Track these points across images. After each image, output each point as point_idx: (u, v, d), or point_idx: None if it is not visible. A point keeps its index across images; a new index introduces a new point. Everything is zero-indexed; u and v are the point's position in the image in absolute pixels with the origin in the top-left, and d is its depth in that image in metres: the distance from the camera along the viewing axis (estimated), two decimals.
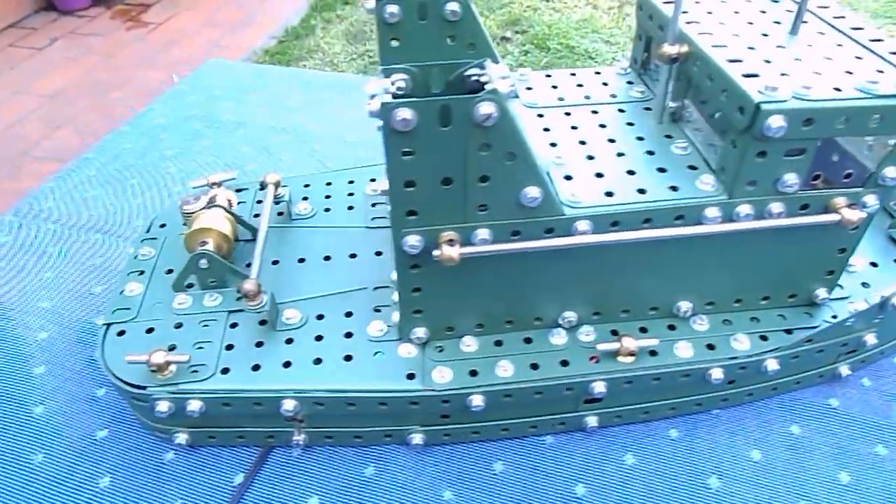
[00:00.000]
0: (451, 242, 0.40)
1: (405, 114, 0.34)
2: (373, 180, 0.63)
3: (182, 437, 0.47)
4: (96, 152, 0.80)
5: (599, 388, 0.45)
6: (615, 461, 0.48)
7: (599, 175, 0.44)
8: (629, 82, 0.55)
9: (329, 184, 0.63)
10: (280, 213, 0.59)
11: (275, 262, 0.54)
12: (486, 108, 0.35)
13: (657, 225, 0.42)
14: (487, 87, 0.35)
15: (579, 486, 0.46)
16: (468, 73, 0.38)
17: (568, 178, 0.44)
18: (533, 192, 0.39)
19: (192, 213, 0.53)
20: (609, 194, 0.42)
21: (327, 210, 0.60)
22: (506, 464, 0.48)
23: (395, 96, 0.35)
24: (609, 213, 0.41)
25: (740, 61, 0.42)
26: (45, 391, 0.52)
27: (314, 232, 0.58)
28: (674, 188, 0.43)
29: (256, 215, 0.59)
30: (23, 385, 0.52)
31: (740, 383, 0.49)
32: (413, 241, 0.40)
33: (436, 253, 0.40)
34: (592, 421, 0.49)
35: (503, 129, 0.36)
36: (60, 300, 0.60)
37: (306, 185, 0.63)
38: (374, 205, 0.60)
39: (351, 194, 0.62)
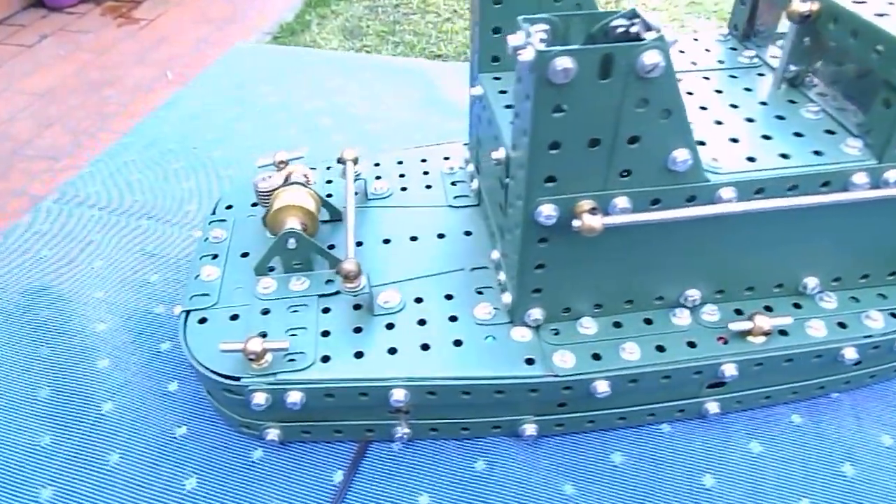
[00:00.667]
0: (593, 211, 0.36)
1: (565, 63, 0.30)
2: (446, 159, 0.60)
3: (273, 434, 0.43)
4: (133, 136, 0.76)
5: (730, 370, 0.42)
6: (740, 449, 0.45)
7: (734, 140, 0.41)
8: (732, 48, 0.51)
9: (401, 162, 0.59)
10: (355, 193, 0.55)
11: (359, 244, 0.50)
12: (651, 58, 0.31)
13: (803, 192, 0.39)
14: (648, 35, 0.32)
15: (707, 477, 0.43)
16: (614, 24, 0.35)
17: (701, 143, 0.40)
18: (682, 154, 0.35)
19: (270, 190, 0.49)
20: (751, 160, 0.39)
21: (404, 189, 0.56)
22: (625, 455, 0.44)
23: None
24: (754, 179, 0.38)
25: (887, 15, 0.39)
26: (112, 386, 0.48)
27: (394, 212, 0.54)
28: (817, 153, 0.39)
29: (329, 195, 0.55)
30: (88, 380, 0.48)
31: (866, 364, 0.46)
32: (549, 210, 0.36)
33: (576, 223, 0.36)
34: (713, 407, 0.45)
35: (664, 83, 0.33)
36: (115, 290, 0.56)
37: (376, 164, 0.59)
38: (454, 183, 0.56)
39: (426, 173, 0.58)
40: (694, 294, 0.44)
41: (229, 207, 0.54)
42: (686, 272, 0.43)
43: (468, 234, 0.51)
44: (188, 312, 0.45)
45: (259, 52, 0.95)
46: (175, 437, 0.45)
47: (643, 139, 0.35)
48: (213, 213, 0.54)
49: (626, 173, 0.36)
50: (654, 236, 0.40)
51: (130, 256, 0.59)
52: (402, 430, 0.43)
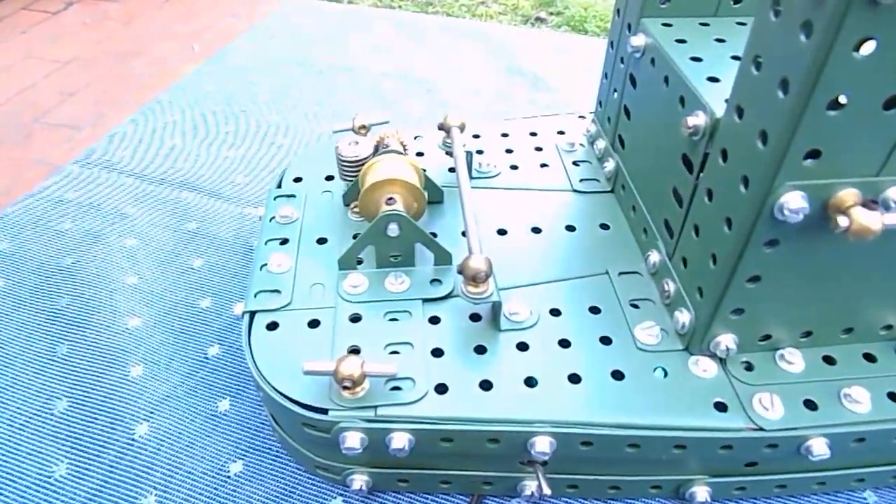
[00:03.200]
0: (871, 205, 0.25)
1: None
2: (561, 133, 0.48)
3: (360, 481, 0.33)
4: (172, 94, 0.65)
5: None
6: None
7: None
8: None
9: (506, 135, 0.48)
10: (451, 170, 0.44)
11: (463, 234, 0.39)
12: None
13: None
14: None
15: None
16: None
17: None
18: None
19: (359, 160, 0.38)
20: None
21: (514, 168, 0.45)
22: None
23: None
24: None
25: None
26: (147, 402, 0.37)
27: (505, 195, 0.43)
28: None
29: (423, 169, 0.44)
30: (118, 393, 0.38)
31: None
32: (797, 201, 0.25)
33: (842, 222, 0.25)
34: None
35: None
36: (151, 276, 0.45)
37: (476, 136, 0.48)
38: (576, 163, 0.45)
39: (539, 149, 0.47)
40: None
41: (298, 180, 0.43)
42: None
43: (605, 227, 0.40)
44: (253, 314, 0.34)
45: (312, 9, 0.84)
46: (229, 477, 0.34)
47: None
48: (279, 186, 0.43)
49: None
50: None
51: (169, 235, 0.49)
52: (533, 487, 0.32)
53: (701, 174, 0.31)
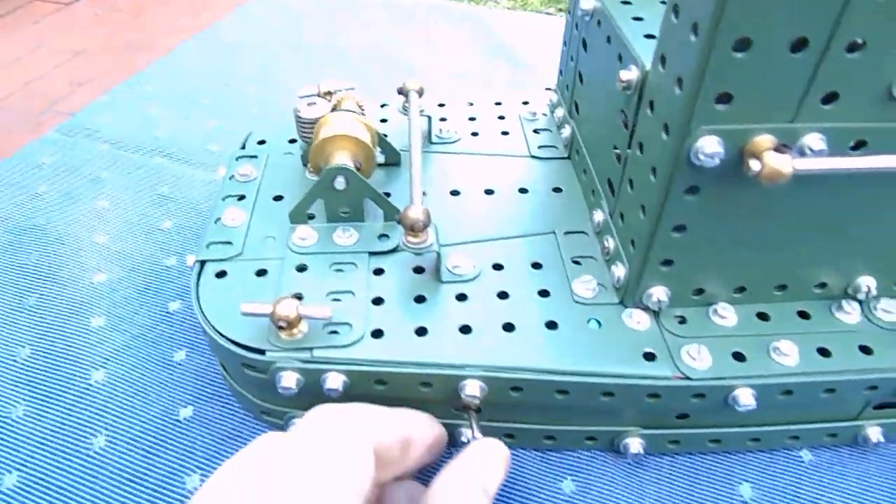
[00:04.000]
0: (781, 148, 0.25)
1: None
2: (526, 104, 0.49)
3: None
4: (158, 66, 0.66)
5: None
6: None
7: None
8: None
9: (471, 104, 0.49)
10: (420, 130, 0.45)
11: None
12: None
13: None
14: None
15: None
16: None
17: None
18: None
19: (315, 119, 0.39)
20: None
21: (475, 134, 0.46)
22: (755, 488, 0.34)
23: None
24: None
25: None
26: (106, 351, 0.38)
27: (463, 159, 0.43)
28: None
29: (384, 135, 0.44)
30: (78, 341, 0.39)
31: None
32: (713, 145, 0.25)
33: (753, 166, 0.25)
34: (875, 434, 0.34)
35: None
36: (120, 235, 0.47)
37: (441, 105, 0.49)
38: (536, 131, 0.46)
39: (502, 118, 0.48)
40: (868, 283, 0.33)
41: (262, 143, 0.44)
42: (865, 251, 0.32)
43: (558, 190, 0.41)
44: (203, 263, 0.35)
45: None
46: (178, 421, 0.35)
47: (869, 46, 0.24)
48: (243, 147, 0.44)
49: (830, 98, 0.25)
50: (837, 194, 0.29)
51: (142, 198, 0.50)
52: (469, 434, 0.33)
53: (635, 128, 0.31)
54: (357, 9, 0.79)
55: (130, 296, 0.42)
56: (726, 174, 0.27)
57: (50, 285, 0.42)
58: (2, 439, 0.34)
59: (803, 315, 0.33)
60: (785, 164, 0.25)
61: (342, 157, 0.36)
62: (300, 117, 0.40)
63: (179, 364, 0.38)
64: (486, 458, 0.28)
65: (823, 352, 0.31)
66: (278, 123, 0.46)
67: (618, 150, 0.34)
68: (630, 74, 0.30)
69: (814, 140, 0.26)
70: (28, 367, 0.37)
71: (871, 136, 0.26)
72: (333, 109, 0.40)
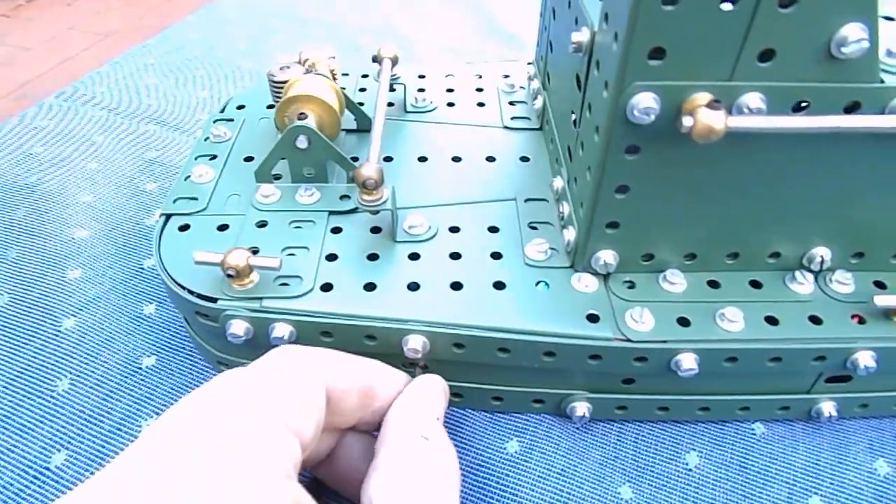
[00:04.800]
0: (714, 104, 0.25)
1: None
2: (506, 77, 0.49)
3: None
4: (158, 40, 0.68)
5: (864, 360, 0.31)
6: (860, 468, 0.34)
7: None
8: None
9: (450, 76, 0.49)
10: (390, 104, 0.45)
11: (387, 159, 0.41)
12: None
13: None
14: None
15: (814, 499, 0.32)
16: None
17: None
18: (855, 32, 0.24)
19: (285, 82, 0.40)
20: None
21: (451, 105, 0.46)
22: (702, 457, 0.34)
23: None
24: None
25: None
26: (79, 301, 0.40)
27: (436, 128, 0.44)
28: None
29: (360, 103, 0.45)
30: (54, 291, 0.40)
31: None
32: (647, 100, 0.25)
33: (686, 122, 0.25)
34: (828, 408, 0.34)
35: None
36: (105, 195, 0.48)
37: (421, 76, 0.49)
38: (512, 103, 0.46)
39: (480, 90, 0.48)
40: (823, 254, 0.33)
41: (241, 108, 0.45)
42: (818, 221, 0.32)
43: (525, 159, 0.41)
44: (168, 217, 0.36)
45: None
46: (140, 368, 0.36)
47: (802, 1, 0.24)
48: (222, 111, 0.45)
49: (766, 55, 0.25)
50: (785, 157, 0.29)
51: (129, 161, 0.51)
52: None
53: (586, 91, 0.31)
54: None
55: (108, 251, 0.43)
56: (665, 132, 0.27)
57: (32, 239, 0.44)
58: None
59: (755, 284, 0.33)
60: (717, 120, 0.25)
61: (305, 118, 0.36)
62: (273, 80, 0.40)
63: (148, 317, 0.39)
64: (430, 388, 0.29)
65: (771, 320, 0.31)
66: (261, 89, 0.47)
67: (574, 115, 0.34)
68: (581, 36, 0.30)
69: (752, 99, 0.26)
70: (4, 313, 0.39)
71: (812, 95, 0.26)
72: (308, 70, 0.41)
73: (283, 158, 0.37)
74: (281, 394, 0.24)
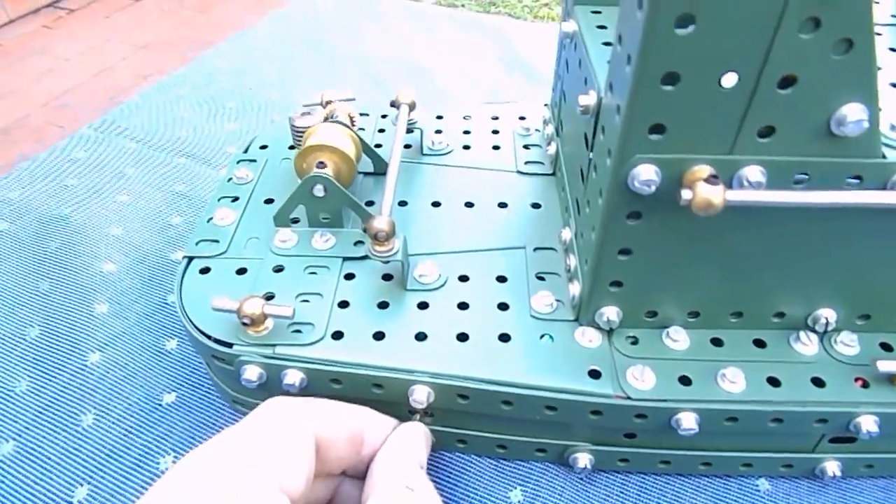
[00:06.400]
0: (712, 180, 0.26)
1: None
2: (522, 119, 0.50)
3: None
4: (190, 69, 0.70)
5: (867, 424, 0.31)
6: None
7: None
8: None
9: (468, 118, 0.50)
10: (407, 146, 0.47)
11: (402, 203, 0.42)
12: None
13: None
14: None
15: None
16: None
17: None
18: (855, 112, 0.25)
19: (306, 128, 0.41)
20: None
21: (467, 148, 0.47)
22: None
23: None
24: None
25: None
26: (105, 335, 0.42)
27: (451, 171, 0.45)
28: None
29: (378, 145, 0.46)
30: (81, 324, 0.42)
31: None
32: (648, 172, 0.26)
33: (685, 195, 0.26)
34: (832, 467, 0.34)
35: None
36: (134, 228, 0.50)
37: (439, 117, 0.50)
38: (527, 147, 0.47)
39: (496, 132, 0.49)
40: (828, 315, 0.33)
41: (264, 147, 0.47)
42: (822, 283, 0.32)
43: (536, 206, 0.42)
44: (190, 259, 0.38)
45: None
46: (160, 405, 0.38)
47: (802, 81, 0.24)
48: (246, 151, 0.47)
49: (766, 131, 0.26)
50: (788, 226, 0.29)
51: (158, 194, 0.53)
52: None
53: (592, 151, 0.32)
54: (380, 18, 0.81)
55: (134, 285, 0.45)
56: (666, 201, 0.27)
57: (64, 272, 0.46)
58: (5, 410, 0.37)
59: (759, 343, 0.33)
60: (716, 194, 0.25)
61: (323, 167, 0.38)
62: (294, 126, 0.42)
63: (170, 352, 0.41)
64: (413, 437, 0.30)
65: (773, 381, 0.32)
66: (280, 127, 0.48)
67: (582, 171, 0.34)
68: (588, 99, 0.31)
69: (752, 172, 0.26)
70: (35, 346, 0.41)
71: (812, 169, 0.27)
72: (326, 119, 0.42)
73: (301, 204, 0.38)
74: (272, 455, 0.25)
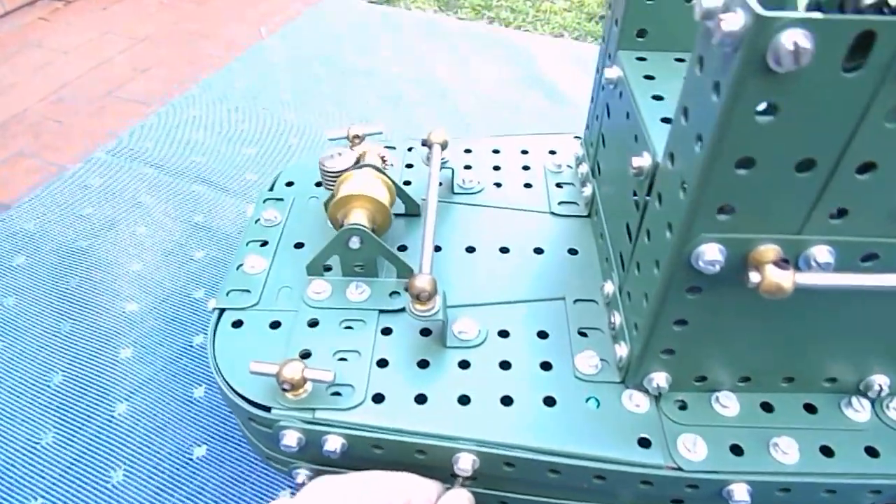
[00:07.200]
0: (782, 264, 0.25)
1: (799, 39, 0.19)
2: (553, 153, 0.49)
3: (304, 476, 0.35)
4: (203, 89, 0.69)
5: None
6: None
7: None
8: None
9: (497, 151, 0.49)
10: (439, 185, 0.46)
11: (436, 249, 0.41)
12: None
13: None
14: None
15: None
16: None
17: None
18: None
19: (338, 172, 0.40)
20: None
21: (498, 185, 0.46)
22: None
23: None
24: None
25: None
26: (131, 383, 0.41)
27: (483, 212, 0.44)
28: None
29: (407, 182, 0.45)
30: (107, 372, 0.41)
31: None
32: (713, 252, 0.25)
33: (753, 278, 0.25)
34: None
35: None
36: (154, 263, 0.49)
37: (467, 151, 0.49)
38: (559, 185, 0.46)
39: (527, 168, 0.48)
40: (881, 381, 0.32)
41: (290, 184, 0.46)
42: (877, 350, 0.31)
43: (573, 252, 0.41)
44: (222, 311, 0.37)
45: (350, 9, 0.86)
46: (191, 460, 0.37)
47: (881, 168, 0.23)
48: (271, 188, 0.46)
49: (839, 214, 0.25)
50: (849, 301, 0.28)
51: (177, 225, 0.52)
52: None
53: (644, 214, 0.31)
54: (397, 31, 0.80)
55: (158, 327, 0.44)
56: (732, 279, 0.26)
57: (85, 312, 0.45)
58: (31, 465, 0.37)
59: (810, 408, 0.32)
60: (786, 279, 0.24)
61: (358, 216, 0.37)
62: (324, 169, 0.41)
63: (198, 401, 0.40)
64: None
65: (826, 451, 0.31)
66: (308, 163, 0.47)
67: (629, 227, 0.33)
68: (642, 161, 0.30)
69: (821, 252, 0.25)
70: (59, 393, 0.40)
71: (884, 250, 0.26)
72: (357, 161, 0.41)
73: (335, 254, 0.37)
74: None
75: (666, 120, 0.31)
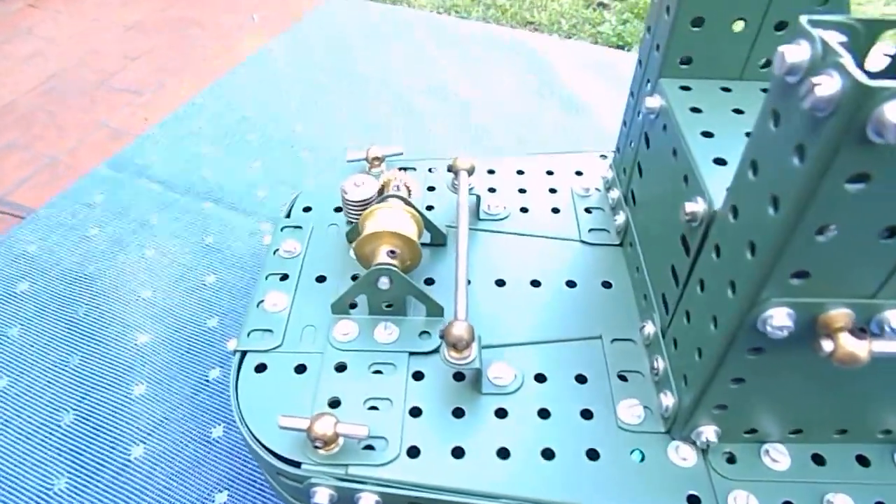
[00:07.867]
0: (858, 333, 0.23)
1: None
2: (579, 174, 0.47)
3: None
4: (207, 97, 0.66)
5: None
6: None
7: None
8: None
9: (521, 172, 0.47)
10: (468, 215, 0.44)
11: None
12: None
13: None
14: None
15: None
16: None
17: None
18: None
19: (362, 202, 0.38)
20: None
21: (524, 210, 0.44)
22: None
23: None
24: None
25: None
26: (146, 425, 0.39)
27: (511, 241, 0.42)
28: None
29: (429, 207, 0.44)
30: (120, 411, 0.39)
31: None
32: (782, 318, 0.24)
33: (826, 346, 0.23)
34: None
35: None
36: (164, 289, 0.47)
37: (491, 172, 0.47)
38: (588, 210, 0.44)
39: (553, 191, 0.46)
40: None
41: (307, 209, 0.44)
42: None
43: (607, 285, 0.39)
44: (244, 354, 0.35)
45: (354, 8, 0.83)
46: None
47: None
48: (288, 215, 0.44)
49: None
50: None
51: (187, 247, 0.50)
52: None
53: (696, 261, 0.29)
54: (405, 33, 0.77)
55: (171, 360, 0.42)
56: (797, 343, 0.25)
57: (95, 344, 0.43)
58: None
59: (862, 461, 0.31)
60: (861, 349, 0.23)
61: (387, 255, 0.35)
62: (347, 199, 0.39)
63: (217, 441, 0.38)
64: None
65: None
66: (325, 185, 0.45)
67: (675, 270, 0.32)
68: (696, 207, 0.28)
69: (894, 317, 0.24)
70: (71, 435, 0.38)
71: None
72: (381, 191, 0.39)
73: (362, 294, 0.35)
74: None
75: (719, 161, 0.30)
